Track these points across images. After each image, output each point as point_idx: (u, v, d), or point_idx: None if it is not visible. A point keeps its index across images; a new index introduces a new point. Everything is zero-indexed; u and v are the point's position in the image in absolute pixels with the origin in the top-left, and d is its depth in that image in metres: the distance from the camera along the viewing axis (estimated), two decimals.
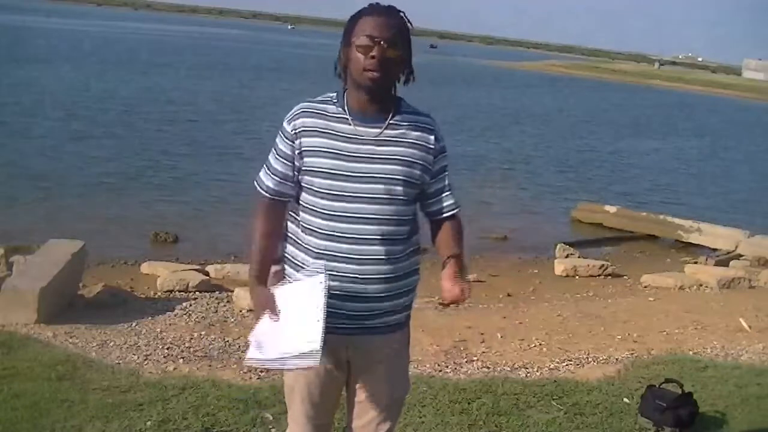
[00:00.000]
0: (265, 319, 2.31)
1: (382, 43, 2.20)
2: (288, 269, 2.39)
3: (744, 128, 39.07)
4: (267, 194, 2.38)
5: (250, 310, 6.43)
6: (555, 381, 4.77)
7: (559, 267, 9.43)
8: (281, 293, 2.32)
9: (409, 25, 2.31)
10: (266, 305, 2.32)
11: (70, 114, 18.43)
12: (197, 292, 7.01)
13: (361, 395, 2.44)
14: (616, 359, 5.53)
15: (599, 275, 9.30)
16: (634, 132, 30.07)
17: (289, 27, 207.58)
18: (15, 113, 17.47)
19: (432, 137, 2.33)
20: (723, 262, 10.46)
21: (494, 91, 45.62)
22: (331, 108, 2.30)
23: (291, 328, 2.23)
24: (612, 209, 12.80)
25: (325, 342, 2.14)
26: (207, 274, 7.74)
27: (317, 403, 2.44)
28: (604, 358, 5.60)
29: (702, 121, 40.89)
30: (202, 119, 20.07)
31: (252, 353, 2.30)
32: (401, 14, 2.30)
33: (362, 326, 2.34)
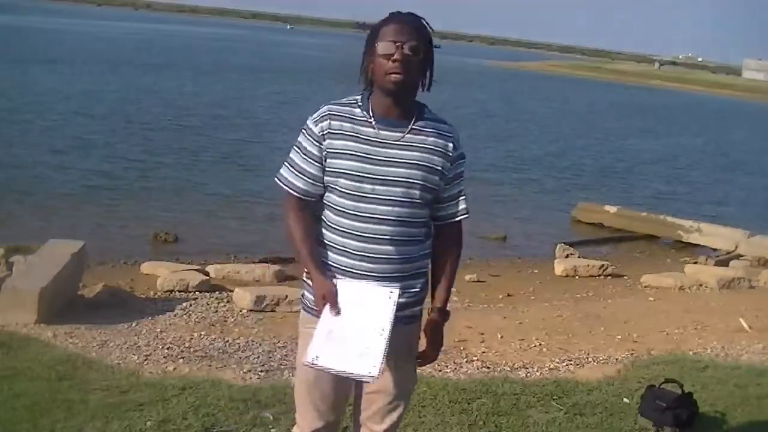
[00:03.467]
0: (326, 317, 2.31)
1: (403, 47, 2.28)
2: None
3: (744, 128, 39.06)
4: (296, 194, 2.42)
5: (250, 310, 6.43)
6: (555, 381, 4.77)
7: (559, 267, 9.42)
8: (345, 290, 2.33)
9: (430, 30, 2.38)
10: (328, 297, 2.32)
11: (70, 115, 18.42)
12: (197, 292, 7.01)
13: (368, 387, 2.48)
14: (616, 359, 5.53)
15: (599, 275, 9.30)
16: (634, 132, 30.08)
17: (288, 27, 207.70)
18: (14, 114, 17.46)
19: (451, 144, 2.40)
20: (723, 262, 10.47)
21: (495, 91, 45.63)
22: (357, 111, 2.37)
23: (354, 343, 2.25)
24: (612, 209, 12.80)
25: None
26: (207, 274, 7.74)
27: (326, 396, 2.48)
28: (604, 358, 5.60)
29: (702, 121, 40.90)
30: (202, 121, 20.06)
31: (311, 356, 2.28)
32: (422, 20, 2.37)
33: None
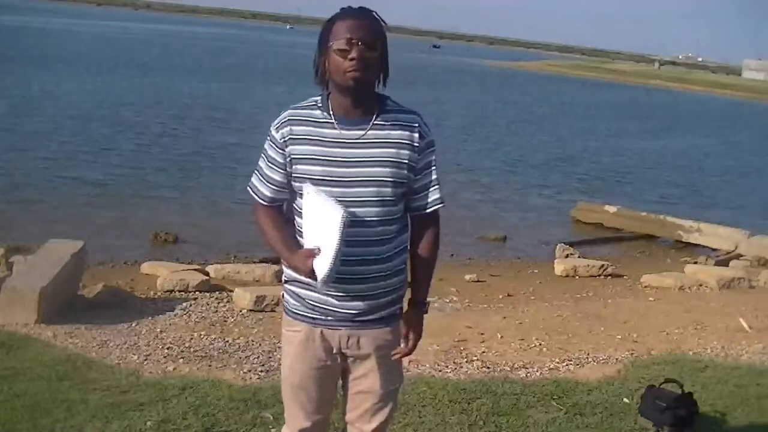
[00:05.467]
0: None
1: (359, 44, 2.22)
2: (285, 270, 2.45)
3: (744, 128, 39.06)
4: (264, 202, 2.41)
5: (250, 310, 6.43)
6: (555, 381, 4.77)
7: (559, 267, 9.42)
8: (312, 198, 2.27)
9: (382, 24, 2.32)
10: (310, 256, 2.25)
11: (70, 116, 18.42)
12: (197, 292, 7.00)
13: (355, 387, 2.49)
14: (616, 359, 5.53)
15: (599, 275, 9.29)
16: (633, 132, 30.08)
17: (288, 27, 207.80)
18: (14, 115, 17.46)
19: (416, 134, 2.34)
20: (723, 262, 10.46)
21: (494, 91, 45.64)
22: (317, 113, 2.32)
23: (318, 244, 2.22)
24: (612, 209, 12.79)
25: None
26: (207, 274, 7.73)
27: (313, 397, 2.48)
28: (604, 358, 5.60)
29: (702, 121, 40.91)
30: (202, 122, 20.06)
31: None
32: (374, 14, 2.31)
33: (355, 321, 2.39)
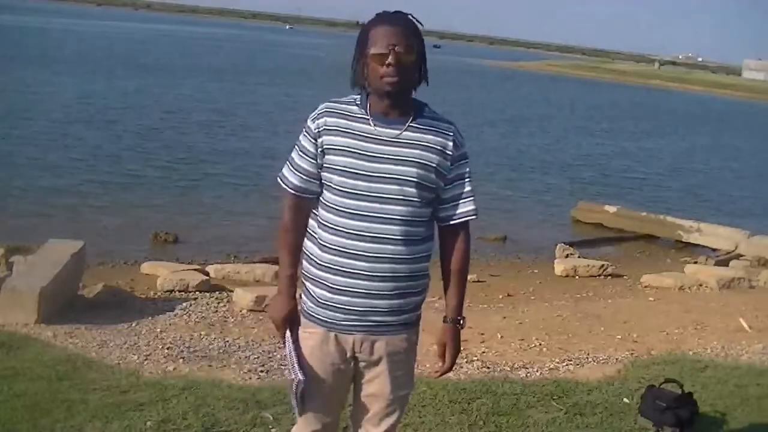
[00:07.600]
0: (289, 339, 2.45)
1: (396, 49, 2.24)
2: (304, 263, 2.45)
3: (744, 129, 39.06)
4: (291, 190, 2.42)
5: (250, 310, 6.43)
6: (555, 381, 4.77)
7: (559, 267, 9.42)
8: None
9: (419, 25, 2.34)
10: (285, 322, 2.43)
11: (69, 116, 18.42)
12: (197, 292, 7.00)
13: (367, 391, 2.48)
14: (616, 359, 5.54)
15: (599, 275, 9.29)
16: (634, 132, 30.08)
17: (288, 27, 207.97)
18: (14, 114, 17.46)
19: (450, 143, 2.36)
20: (723, 262, 10.46)
21: (494, 91, 45.64)
22: (354, 109, 2.35)
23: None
24: (612, 209, 12.80)
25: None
26: (207, 274, 7.73)
27: (326, 399, 2.48)
28: (604, 358, 5.60)
29: (701, 121, 40.90)
30: (202, 123, 20.05)
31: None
32: (410, 17, 2.33)
33: (371, 324, 2.38)
